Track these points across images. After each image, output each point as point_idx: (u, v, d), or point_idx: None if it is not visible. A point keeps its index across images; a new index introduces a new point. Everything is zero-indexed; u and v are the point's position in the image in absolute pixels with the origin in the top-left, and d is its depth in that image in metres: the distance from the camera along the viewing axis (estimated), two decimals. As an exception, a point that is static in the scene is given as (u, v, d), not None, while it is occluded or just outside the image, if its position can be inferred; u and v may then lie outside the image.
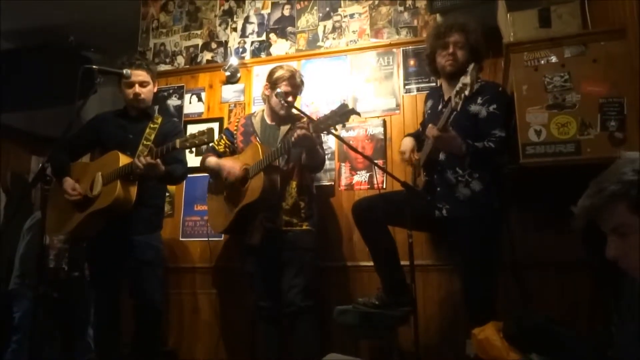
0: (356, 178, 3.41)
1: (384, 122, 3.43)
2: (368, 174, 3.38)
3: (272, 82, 2.97)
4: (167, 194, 3.41)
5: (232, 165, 2.92)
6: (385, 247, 2.60)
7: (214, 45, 4.01)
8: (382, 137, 3.40)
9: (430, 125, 2.36)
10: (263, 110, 3.12)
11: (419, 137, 2.85)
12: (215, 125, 3.65)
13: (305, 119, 2.72)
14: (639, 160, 1.12)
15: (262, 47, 3.87)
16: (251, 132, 3.05)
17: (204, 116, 3.88)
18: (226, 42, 3.99)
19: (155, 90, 3.08)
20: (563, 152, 2.23)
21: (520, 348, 1.92)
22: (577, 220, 1.18)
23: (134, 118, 3.01)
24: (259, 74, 3.75)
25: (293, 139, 2.67)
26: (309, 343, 2.79)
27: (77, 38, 4.72)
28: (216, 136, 3.09)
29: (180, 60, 4.08)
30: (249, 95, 3.80)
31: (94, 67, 2.54)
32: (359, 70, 3.58)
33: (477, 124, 2.46)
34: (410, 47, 3.48)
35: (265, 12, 3.93)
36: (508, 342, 1.97)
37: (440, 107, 2.65)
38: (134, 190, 2.76)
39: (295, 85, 2.97)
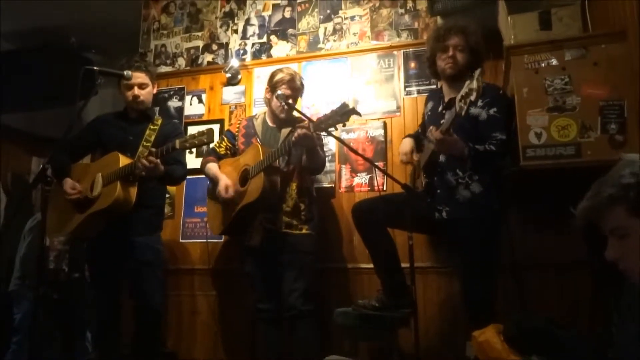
0: (356, 180, 3.41)
1: (385, 124, 3.43)
2: (368, 176, 3.38)
3: (273, 85, 2.98)
4: (167, 196, 3.42)
5: (226, 185, 2.89)
6: (385, 249, 2.60)
7: (214, 47, 4.02)
8: (383, 139, 3.41)
9: (432, 128, 2.36)
10: (265, 113, 3.13)
11: (418, 138, 2.85)
12: (215, 127, 3.65)
13: (306, 121, 2.72)
14: (639, 163, 1.13)
15: (263, 49, 3.88)
16: (252, 134, 3.05)
17: (204, 118, 3.88)
18: (227, 44, 3.99)
19: (154, 91, 3.09)
20: (563, 154, 2.23)
21: (521, 350, 1.92)
22: (577, 222, 1.19)
23: (134, 119, 3.01)
24: (260, 75, 3.75)
25: (294, 138, 2.67)
26: (309, 345, 2.79)
27: (78, 39, 4.72)
28: (216, 137, 3.10)
29: (181, 62, 4.08)
30: (249, 97, 3.80)
31: (95, 68, 2.54)
32: (359, 72, 3.58)
33: (477, 126, 2.46)
34: (410, 49, 3.49)
35: (266, 14, 3.94)
36: (508, 345, 1.97)
37: (440, 108, 2.65)
38: (134, 191, 2.76)
39: (295, 88, 2.98)
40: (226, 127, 3.59)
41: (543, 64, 2.34)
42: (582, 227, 1.19)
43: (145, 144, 2.90)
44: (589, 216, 1.17)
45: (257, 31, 3.93)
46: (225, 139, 3.15)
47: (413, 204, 2.33)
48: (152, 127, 2.97)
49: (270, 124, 3.06)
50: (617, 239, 1.16)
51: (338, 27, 3.72)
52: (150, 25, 4.24)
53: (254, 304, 3.00)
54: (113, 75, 2.77)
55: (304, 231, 2.88)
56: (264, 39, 3.90)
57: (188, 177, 3.26)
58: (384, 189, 3.27)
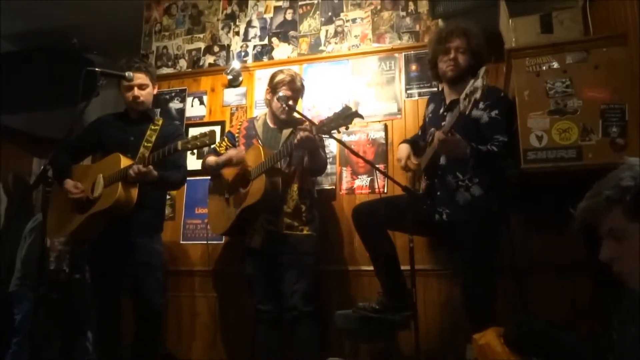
0: (357, 182, 3.41)
1: (385, 126, 3.44)
2: (369, 178, 3.38)
3: (273, 86, 2.99)
4: (167, 197, 3.42)
5: (237, 150, 2.95)
6: (385, 252, 2.60)
7: (216, 49, 4.03)
8: (384, 141, 3.41)
9: (432, 130, 2.36)
10: (265, 114, 3.13)
11: (414, 142, 2.85)
12: (217, 129, 3.65)
13: (307, 123, 2.73)
14: (639, 166, 1.13)
15: (265, 51, 3.89)
16: (253, 135, 3.05)
17: (205, 119, 3.89)
18: (228, 46, 4.00)
19: (155, 92, 3.09)
20: (564, 157, 2.23)
21: (521, 353, 1.92)
22: (576, 222, 1.20)
23: (135, 120, 3.02)
24: (261, 77, 3.76)
25: (296, 140, 2.67)
26: (309, 347, 2.80)
27: (80, 40, 4.73)
28: (218, 138, 3.10)
29: (183, 64, 4.09)
30: (250, 99, 3.81)
31: (97, 69, 2.54)
32: (360, 74, 3.59)
33: (478, 129, 2.46)
34: (412, 52, 3.49)
35: (267, 16, 3.95)
36: (509, 348, 1.97)
37: (441, 111, 2.66)
38: (135, 192, 2.76)
39: (296, 89, 2.98)
40: (227, 129, 3.59)
41: (544, 67, 2.35)
42: (581, 228, 1.19)
43: (146, 144, 2.90)
44: (587, 217, 1.18)
45: (258, 33, 3.94)
46: (226, 139, 3.16)
47: (414, 207, 2.33)
48: (152, 127, 2.98)
49: (271, 125, 3.06)
50: (612, 241, 1.17)
51: (339, 29, 3.72)
52: (152, 27, 4.25)
53: (253, 305, 3.00)
54: (114, 76, 2.78)
55: (305, 232, 2.88)
56: (266, 41, 3.90)
57: (189, 178, 3.26)
58: (385, 191, 3.27)
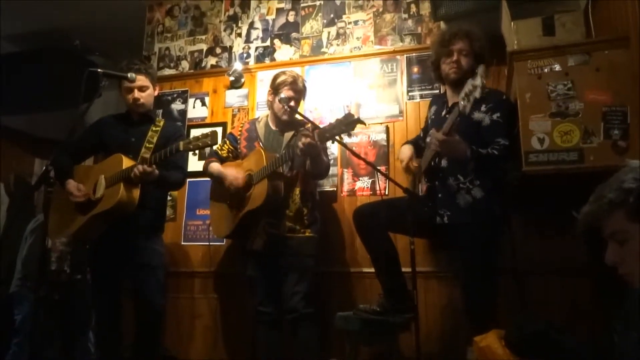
0: (358, 184, 3.41)
1: (387, 128, 3.44)
2: (370, 180, 3.38)
3: (275, 87, 2.98)
4: (169, 198, 3.42)
5: (235, 176, 2.91)
6: (386, 253, 2.60)
7: (218, 51, 4.03)
8: (385, 143, 3.41)
9: (432, 131, 2.36)
10: (267, 116, 3.12)
11: (417, 144, 2.85)
12: (219, 130, 3.66)
13: (308, 124, 2.72)
14: None
15: (267, 53, 3.89)
16: (255, 137, 3.05)
17: (207, 121, 3.89)
18: (231, 48, 4.00)
19: (156, 93, 3.09)
20: (566, 160, 2.23)
21: (522, 355, 1.92)
22: (579, 226, 1.20)
23: (136, 121, 3.02)
24: (263, 79, 3.76)
25: (299, 150, 2.67)
26: (309, 349, 2.79)
27: (82, 42, 4.74)
28: (220, 139, 3.10)
29: (185, 65, 4.10)
30: (252, 100, 3.81)
31: (99, 70, 2.54)
32: (362, 76, 3.59)
33: (479, 132, 2.47)
34: (413, 54, 3.50)
35: (270, 18, 3.95)
36: (510, 350, 1.96)
37: (443, 112, 2.66)
38: (136, 193, 2.76)
39: (298, 90, 2.98)
40: (229, 131, 3.59)
41: (546, 70, 2.35)
42: (584, 231, 1.19)
43: (147, 145, 2.90)
44: (590, 220, 1.17)
45: (260, 35, 3.94)
46: (228, 142, 3.15)
47: (415, 209, 2.32)
48: (154, 128, 2.98)
49: (272, 127, 3.06)
50: (616, 244, 1.17)
51: (341, 31, 3.73)
52: (154, 29, 4.26)
53: (254, 306, 3.00)
54: (117, 78, 2.79)
55: (307, 234, 2.88)
56: (268, 43, 3.91)
57: (190, 179, 3.27)
58: (386, 193, 3.27)
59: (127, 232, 2.80)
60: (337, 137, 2.51)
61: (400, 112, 3.45)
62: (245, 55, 3.94)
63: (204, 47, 4.09)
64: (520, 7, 2.64)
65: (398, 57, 3.54)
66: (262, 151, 2.87)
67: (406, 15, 3.59)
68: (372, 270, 2.75)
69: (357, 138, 3.46)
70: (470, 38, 2.57)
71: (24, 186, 5.32)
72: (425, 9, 3.52)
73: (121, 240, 2.80)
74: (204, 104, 3.94)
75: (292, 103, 2.92)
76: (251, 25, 3.98)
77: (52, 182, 2.38)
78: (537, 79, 2.35)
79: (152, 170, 2.68)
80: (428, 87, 3.40)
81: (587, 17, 2.57)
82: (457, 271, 2.76)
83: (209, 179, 3.24)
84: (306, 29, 3.83)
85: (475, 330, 2.17)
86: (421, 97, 3.41)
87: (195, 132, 3.67)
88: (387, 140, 3.41)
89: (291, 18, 3.88)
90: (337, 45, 3.72)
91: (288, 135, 2.98)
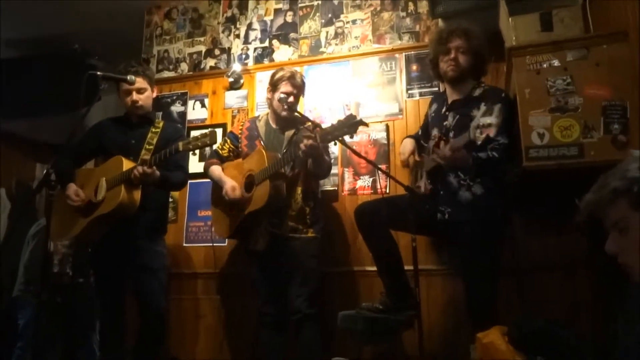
0: (359, 183, 3.41)
1: (387, 127, 3.44)
2: (371, 179, 3.38)
3: (273, 83, 2.98)
4: (170, 200, 3.42)
5: (232, 185, 2.90)
6: (388, 251, 2.60)
7: (217, 52, 4.03)
8: (385, 142, 3.41)
9: (441, 145, 2.34)
10: (267, 114, 3.12)
11: (419, 139, 2.85)
12: (218, 131, 3.65)
13: (309, 124, 2.72)
14: None
15: (265, 54, 3.89)
16: (256, 136, 3.05)
17: (207, 122, 3.89)
18: (229, 49, 4.01)
19: (154, 95, 3.10)
20: (566, 155, 2.23)
21: (526, 351, 1.91)
22: (580, 215, 1.19)
23: (136, 124, 3.02)
24: (262, 80, 3.76)
25: (301, 152, 2.67)
26: (312, 349, 2.79)
27: (81, 46, 4.74)
28: (219, 138, 3.10)
29: (184, 67, 4.10)
30: (252, 101, 3.81)
31: (98, 73, 2.55)
32: (361, 75, 3.59)
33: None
34: (412, 52, 3.50)
35: (267, 18, 3.96)
36: (513, 346, 1.96)
37: (443, 110, 2.66)
38: (138, 195, 2.76)
39: (296, 85, 2.97)
40: (228, 130, 3.59)
41: (545, 65, 2.35)
42: (585, 221, 1.18)
43: (147, 147, 2.90)
44: (592, 209, 1.17)
45: (259, 36, 3.95)
46: (228, 141, 3.15)
47: (416, 206, 2.32)
48: (153, 130, 2.98)
49: (273, 125, 3.06)
50: (618, 233, 1.16)
51: (340, 30, 3.73)
52: (153, 31, 4.27)
53: (257, 307, 3.00)
54: (116, 80, 2.79)
55: (309, 234, 2.88)
56: (266, 44, 3.91)
57: (191, 181, 3.26)
58: (387, 191, 3.27)
59: (129, 233, 2.81)
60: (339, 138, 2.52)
61: (400, 110, 3.45)
62: (244, 56, 3.94)
63: (203, 48, 4.09)
64: (518, 3, 2.64)
65: (397, 55, 3.54)
66: (264, 151, 2.87)
67: (404, 14, 3.59)
68: (374, 268, 2.75)
69: (358, 137, 3.45)
70: (468, 36, 2.57)
71: (25, 191, 5.33)
72: (423, 6, 3.52)
73: (123, 242, 2.81)
74: (203, 105, 3.94)
75: (291, 98, 2.92)
76: (249, 27, 3.99)
77: (53, 185, 2.39)
78: (536, 74, 2.35)
79: (152, 172, 2.68)
80: (427, 85, 3.41)
81: (585, 12, 2.57)
82: (458, 268, 2.76)
83: (209, 180, 3.24)
84: (304, 29, 3.83)
85: (477, 326, 2.17)
86: (420, 95, 3.41)
87: (195, 134, 3.66)
88: (387, 138, 3.41)
89: (289, 18, 3.89)
90: (336, 44, 3.72)
91: (289, 133, 2.97)
